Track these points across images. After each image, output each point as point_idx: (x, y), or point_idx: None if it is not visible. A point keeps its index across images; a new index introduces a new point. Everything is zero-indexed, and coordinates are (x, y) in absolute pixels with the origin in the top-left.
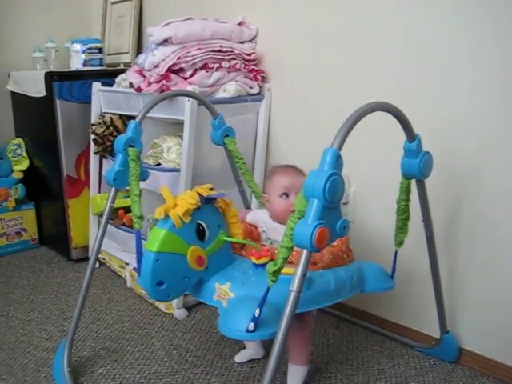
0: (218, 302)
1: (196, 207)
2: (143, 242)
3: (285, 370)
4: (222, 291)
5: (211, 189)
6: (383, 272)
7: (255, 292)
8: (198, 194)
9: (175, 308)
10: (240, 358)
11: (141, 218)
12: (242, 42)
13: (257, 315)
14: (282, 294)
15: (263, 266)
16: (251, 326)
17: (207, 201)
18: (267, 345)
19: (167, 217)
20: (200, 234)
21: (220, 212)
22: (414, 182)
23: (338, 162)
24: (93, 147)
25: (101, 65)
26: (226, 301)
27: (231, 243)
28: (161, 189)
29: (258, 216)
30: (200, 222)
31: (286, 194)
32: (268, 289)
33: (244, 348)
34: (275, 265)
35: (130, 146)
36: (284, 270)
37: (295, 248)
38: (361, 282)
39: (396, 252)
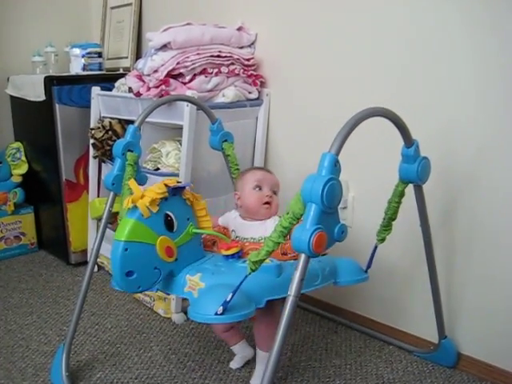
0: (189, 293)
1: (163, 197)
2: None
3: (281, 374)
4: (192, 282)
5: (178, 182)
6: (356, 265)
7: (226, 281)
8: (165, 185)
9: (174, 312)
10: (235, 364)
11: None
12: (241, 47)
13: (228, 299)
14: (252, 281)
15: (233, 256)
16: (220, 310)
17: (175, 192)
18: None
19: (135, 207)
20: (168, 224)
21: (188, 204)
22: (411, 186)
23: (335, 167)
24: (92, 151)
25: (100, 69)
26: (197, 291)
27: (202, 240)
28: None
29: (227, 217)
30: (168, 212)
31: (259, 187)
32: (245, 277)
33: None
34: (258, 255)
35: (129, 151)
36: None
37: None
38: (334, 274)
39: (376, 247)
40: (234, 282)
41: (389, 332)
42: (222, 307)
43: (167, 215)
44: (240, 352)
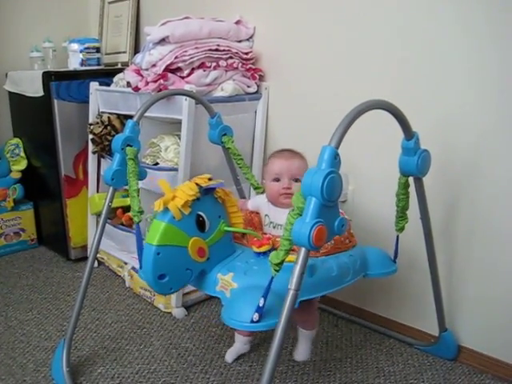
0: (222, 292)
1: (195, 198)
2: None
3: (282, 368)
4: (224, 282)
5: (210, 179)
6: (385, 256)
7: (258, 281)
8: (197, 184)
9: (174, 307)
10: (229, 357)
11: (140, 212)
12: (240, 41)
13: (261, 305)
14: (285, 283)
15: (265, 254)
16: (256, 317)
17: (206, 191)
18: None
19: (166, 209)
20: (200, 225)
21: (219, 202)
22: (411, 179)
23: (335, 160)
24: (91, 147)
25: (98, 64)
26: (229, 291)
27: (232, 233)
28: (159, 181)
29: (259, 201)
30: (200, 213)
31: (278, 179)
32: (272, 279)
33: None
34: (278, 257)
35: (128, 146)
36: (287, 258)
37: None
38: (364, 267)
39: (398, 237)
40: (267, 281)
41: (389, 325)
42: (257, 314)
43: (199, 216)
44: (240, 343)
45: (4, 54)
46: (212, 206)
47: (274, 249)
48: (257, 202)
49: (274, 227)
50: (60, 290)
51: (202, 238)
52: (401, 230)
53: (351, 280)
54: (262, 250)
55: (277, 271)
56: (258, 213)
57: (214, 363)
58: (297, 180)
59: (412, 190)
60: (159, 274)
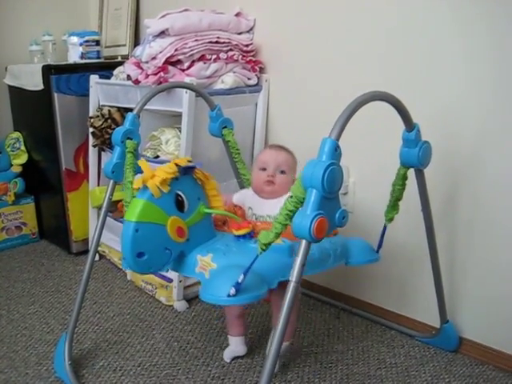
0: (201, 273)
1: (174, 177)
2: None
3: (283, 361)
4: (204, 263)
5: (189, 161)
6: (368, 246)
7: (237, 261)
8: (176, 164)
9: (176, 300)
10: (227, 356)
11: None
12: (240, 33)
13: (240, 281)
14: (264, 261)
15: (244, 237)
16: (232, 291)
17: (185, 171)
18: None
19: (145, 187)
20: (179, 204)
21: (199, 184)
22: (412, 171)
23: (336, 151)
24: (91, 140)
25: (98, 57)
26: (208, 272)
27: (212, 219)
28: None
29: (244, 194)
30: (179, 192)
31: (264, 168)
32: (256, 257)
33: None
34: (267, 237)
35: (128, 139)
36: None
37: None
38: (345, 254)
39: (385, 227)
40: (246, 262)
41: (391, 317)
42: (234, 288)
43: (178, 195)
44: (234, 345)
45: (4, 48)
46: (191, 187)
47: (253, 232)
48: (242, 195)
49: (256, 219)
50: (61, 283)
51: (181, 218)
52: (390, 220)
53: (332, 265)
54: (241, 232)
55: (263, 250)
56: (241, 207)
57: (215, 356)
58: (282, 172)
59: (412, 182)
60: (138, 252)
